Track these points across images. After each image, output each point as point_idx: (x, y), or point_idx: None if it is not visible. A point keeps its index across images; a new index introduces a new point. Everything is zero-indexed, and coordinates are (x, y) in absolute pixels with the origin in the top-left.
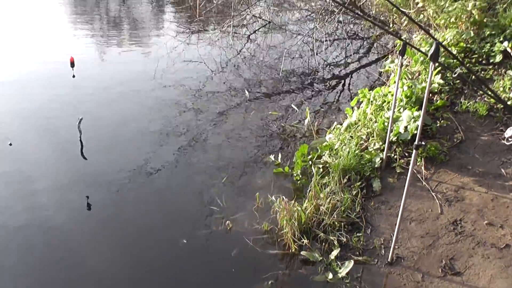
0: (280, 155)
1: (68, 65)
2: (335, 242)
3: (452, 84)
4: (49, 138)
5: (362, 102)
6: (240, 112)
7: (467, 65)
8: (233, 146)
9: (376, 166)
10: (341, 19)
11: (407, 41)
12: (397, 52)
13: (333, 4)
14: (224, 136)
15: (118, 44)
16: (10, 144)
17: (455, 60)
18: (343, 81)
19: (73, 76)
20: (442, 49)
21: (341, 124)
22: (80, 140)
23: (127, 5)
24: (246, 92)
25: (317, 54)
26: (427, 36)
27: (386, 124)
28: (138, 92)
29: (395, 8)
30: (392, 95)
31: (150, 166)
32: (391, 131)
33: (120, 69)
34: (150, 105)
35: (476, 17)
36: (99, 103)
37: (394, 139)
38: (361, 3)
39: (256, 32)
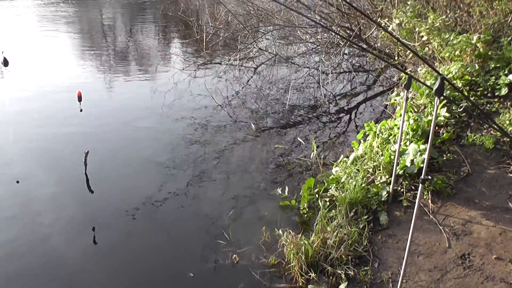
0: (287, 188)
1: (75, 99)
2: (343, 276)
3: (458, 117)
4: (55, 172)
5: (368, 135)
6: (247, 145)
7: (473, 98)
8: (239, 179)
9: (383, 199)
10: (346, 51)
11: (412, 73)
12: (403, 85)
13: (338, 37)
14: (230, 169)
15: (125, 77)
16: (17, 182)
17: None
18: (349, 113)
19: (81, 110)
20: (447, 83)
21: (348, 157)
22: (86, 174)
23: (134, 38)
24: (252, 125)
25: (323, 86)
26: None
27: (392, 157)
28: (145, 125)
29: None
30: (398, 128)
31: (156, 199)
32: (398, 164)
33: (127, 102)
34: (157, 138)
35: (481, 50)
36: (106, 136)
37: (401, 172)
38: (366, 36)
39: (263, 65)
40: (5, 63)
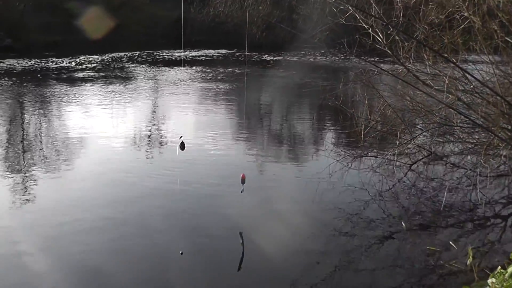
0: None
1: (239, 181)
2: None
3: None
4: (208, 247)
5: None
6: (395, 242)
7: None
8: (387, 277)
9: None
10: (505, 153)
11: None
12: None
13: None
14: (377, 264)
15: (279, 162)
16: (181, 253)
17: None
18: (505, 220)
19: (242, 191)
20: None
21: (505, 269)
22: (242, 252)
23: (288, 124)
24: (403, 223)
25: (478, 189)
26: None
27: None
28: (297, 211)
29: None
30: None
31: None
32: None
33: (281, 187)
34: (306, 226)
35: None
36: (262, 218)
37: None
38: None
39: (418, 162)
40: (182, 146)
